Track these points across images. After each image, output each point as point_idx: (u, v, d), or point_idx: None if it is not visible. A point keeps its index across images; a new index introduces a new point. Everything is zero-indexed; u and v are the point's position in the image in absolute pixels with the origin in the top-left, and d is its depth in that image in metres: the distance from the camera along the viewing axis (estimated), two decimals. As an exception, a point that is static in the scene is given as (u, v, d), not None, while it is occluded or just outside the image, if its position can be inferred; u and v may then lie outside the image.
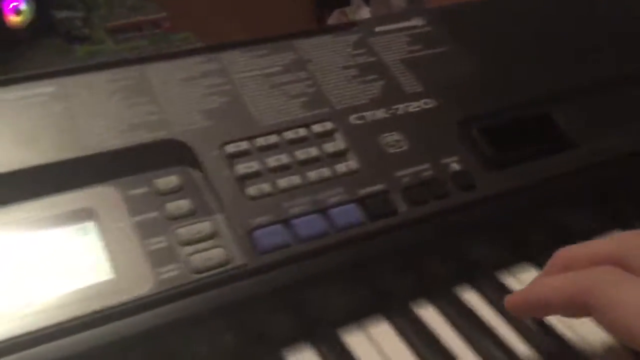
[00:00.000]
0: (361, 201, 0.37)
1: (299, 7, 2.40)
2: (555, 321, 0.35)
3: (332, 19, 2.24)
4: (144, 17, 2.21)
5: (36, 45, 1.95)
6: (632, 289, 0.26)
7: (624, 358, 0.33)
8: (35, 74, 0.38)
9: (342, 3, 2.29)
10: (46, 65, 1.85)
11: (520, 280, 0.39)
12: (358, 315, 0.36)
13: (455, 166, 0.39)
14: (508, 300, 0.32)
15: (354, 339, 0.35)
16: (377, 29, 0.47)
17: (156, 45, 2.02)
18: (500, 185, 0.39)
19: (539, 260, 0.39)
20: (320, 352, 0.34)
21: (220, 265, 0.33)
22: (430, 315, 0.36)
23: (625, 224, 0.43)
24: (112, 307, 0.30)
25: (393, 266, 0.36)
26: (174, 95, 0.39)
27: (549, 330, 0.35)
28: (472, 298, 0.37)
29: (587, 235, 0.39)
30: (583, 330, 0.34)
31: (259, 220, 0.35)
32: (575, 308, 0.28)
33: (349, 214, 0.36)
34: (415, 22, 0.48)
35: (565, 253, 0.31)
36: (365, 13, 2.20)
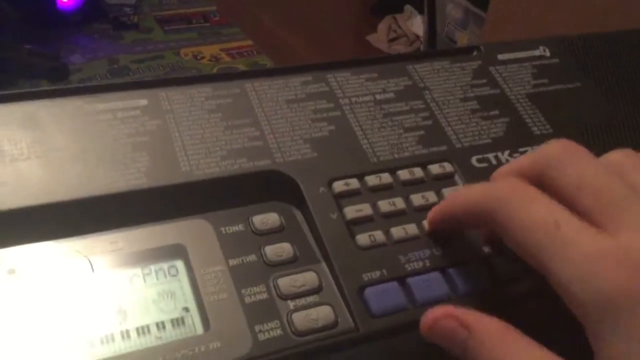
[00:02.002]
0: (487, 261, 0.31)
1: (352, 12, 2.36)
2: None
3: (383, 24, 2.20)
4: (193, 9, 2.20)
5: (85, 29, 1.95)
6: (534, 206, 0.25)
7: None
8: (126, 83, 0.34)
9: (396, 11, 2.24)
10: (95, 49, 1.85)
11: None
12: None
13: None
14: (429, 215, 0.31)
15: None
16: (500, 57, 0.41)
17: (204, 39, 2.01)
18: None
19: None
20: None
21: (327, 327, 0.28)
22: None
23: None
24: (201, 371, 0.26)
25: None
26: (277, 119, 0.34)
27: None
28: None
29: None
30: None
31: (371, 275, 0.30)
32: (482, 221, 0.28)
33: (474, 275, 0.31)
34: (541, 52, 0.43)
35: (499, 170, 0.30)
36: (417, 22, 2.15)
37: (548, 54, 0.42)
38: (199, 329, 0.27)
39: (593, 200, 0.25)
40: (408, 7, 2.26)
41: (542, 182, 0.27)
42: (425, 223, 0.32)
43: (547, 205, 0.26)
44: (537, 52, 0.43)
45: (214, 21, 2.24)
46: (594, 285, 0.23)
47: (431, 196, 0.33)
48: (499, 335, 0.25)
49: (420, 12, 2.01)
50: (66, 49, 1.89)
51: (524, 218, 0.25)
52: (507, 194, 0.27)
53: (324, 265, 0.30)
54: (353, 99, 0.37)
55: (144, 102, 0.33)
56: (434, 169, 0.34)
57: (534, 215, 0.25)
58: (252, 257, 0.30)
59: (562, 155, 0.27)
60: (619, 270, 0.23)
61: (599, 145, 0.38)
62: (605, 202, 0.25)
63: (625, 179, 0.26)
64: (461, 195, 0.29)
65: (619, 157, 0.28)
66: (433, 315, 0.27)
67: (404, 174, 0.34)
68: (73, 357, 0.25)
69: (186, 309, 0.28)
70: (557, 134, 0.38)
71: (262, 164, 0.32)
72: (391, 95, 0.37)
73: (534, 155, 0.28)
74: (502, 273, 0.31)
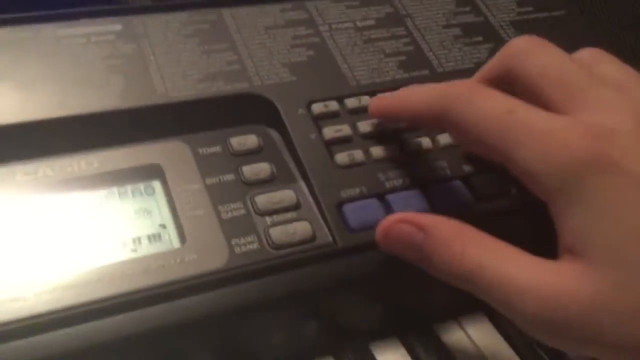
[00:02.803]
0: (466, 179, 0.31)
1: None
2: None
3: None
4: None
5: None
6: (487, 100, 0.25)
7: None
8: (99, 10, 0.33)
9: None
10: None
11: None
12: (456, 314, 0.30)
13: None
14: (374, 101, 0.31)
15: (452, 337, 0.30)
16: (484, -15, 0.41)
17: None
18: None
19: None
20: (413, 351, 0.29)
21: (305, 241, 0.28)
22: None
23: None
24: (178, 282, 0.26)
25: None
26: (255, 44, 0.34)
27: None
28: None
29: None
30: None
31: (350, 192, 0.29)
32: (436, 121, 0.27)
33: (453, 192, 0.31)
34: (526, -20, 0.42)
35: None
36: None
37: None
38: (176, 243, 0.27)
39: (556, 87, 0.25)
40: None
41: (509, 76, 0.27)
42: (369, 109, 0.31)
43: (500, 96, 0.25)
44: (522, -19, 0.42)
45: None
46: (551, 160, 0.23)
47: (412, 118, 0.33)
48: (455, 232, 0.25)
49: None
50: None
51: (477, 111, 0.25)
52: (459, 91, 0.26)
53: (302, 183, 0.30)
54: (333, 26, 0.36)
55: (118, 27, 0.33)
56: (415, 91, 0.34)
57: (487, 107, 0.25)
58: (229, 177, 0.29)
59: (527, 47, 0.27)
60: (575, 142, 0.23)
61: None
62: (567, 88, 0.25)
63: (593, 70, 0.26)
64: (412, 96, 0.29)
65: (589, 52, 0.28)
66: (387, 222, 0.26)
67: (384, 97, 0.33)
68: (51, 270, 0.25)
69: (163, 226, 0.28)
70: (541, 59, 0.37)
71: (240, 86, 0.32)
72: (372, 22, 0.37)
73: (501, 51, 0.28)
74: (481, 189, 0.31)
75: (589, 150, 0.22)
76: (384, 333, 0.29)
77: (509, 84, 0.27)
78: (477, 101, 0.25)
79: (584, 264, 0.22)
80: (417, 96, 0.28)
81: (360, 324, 0.29)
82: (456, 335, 0.30)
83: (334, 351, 0.29)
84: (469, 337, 0.30)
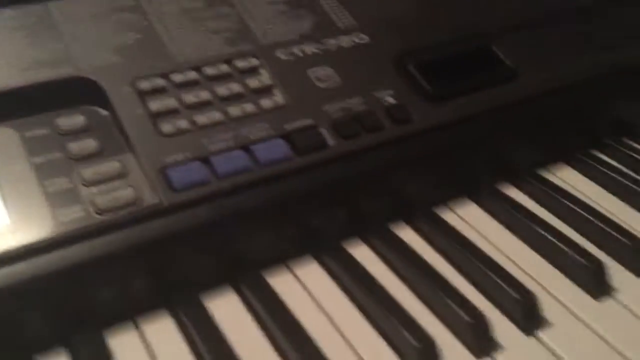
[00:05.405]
0: (287, 136, 0.34)
1: None
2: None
3: None
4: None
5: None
6: None
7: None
8: None
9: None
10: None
11: (460, 215, 0.36)
12: (285, 257, 0.33)
13: (390, 100, 0.37)
14: None
15: (280, 281, 0.32)
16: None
17: None
18: (438, 118, 0.37)
19: (479, 195, 0.38)
20: (244, 297, 0.31)
21: (128, 204, 0.30)
22: (363, 254, 0.34)
23: (568, 156, 0.41)
24: (8, 252, 0.27)
25: (322, 203, 0.34)
26: (81, 32, 0.36)
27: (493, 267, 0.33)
28: (408, 235, 0.35)
29: (530, 167, 0.38)
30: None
31: (175, 157, 0.32)
32: None
33: (274, 149, 0.33)
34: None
35: None
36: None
37: None
38: (5, 220, 0.28)
39: None
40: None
41: None
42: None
43: None
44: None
45: None
46: None
47: (236, 87, 0.35)
48: None
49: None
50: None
51: None
52: None
53: (129, 155, 0.32)
54: (160, 10, 0.38)
55: (-60, 24, 0.34)
56: (239, 63, 0.36)
57: None
58: (56, 155, 0.31)
59: None
60: None
61: (402, 33, 0.41)
62: None
63: None
64: None
65: None
66: None
67: (210, 70, 0.36)
68: None
69: (-12, 206, 0.29)
70: (361, 26, 0.41)
71: (65, 71, 0.34)
72: (199, 4, 0.39)
73: None
74: (300, 145, 0.33)
75: None
76: (216, 281, 0.32)
77: None
78: None
79: None
80: None
81: (190, 275, 0.31)
82: (283, 278, 0.32)
83: (166, 303, 0.31)
84: (297, 279, 0.33)
